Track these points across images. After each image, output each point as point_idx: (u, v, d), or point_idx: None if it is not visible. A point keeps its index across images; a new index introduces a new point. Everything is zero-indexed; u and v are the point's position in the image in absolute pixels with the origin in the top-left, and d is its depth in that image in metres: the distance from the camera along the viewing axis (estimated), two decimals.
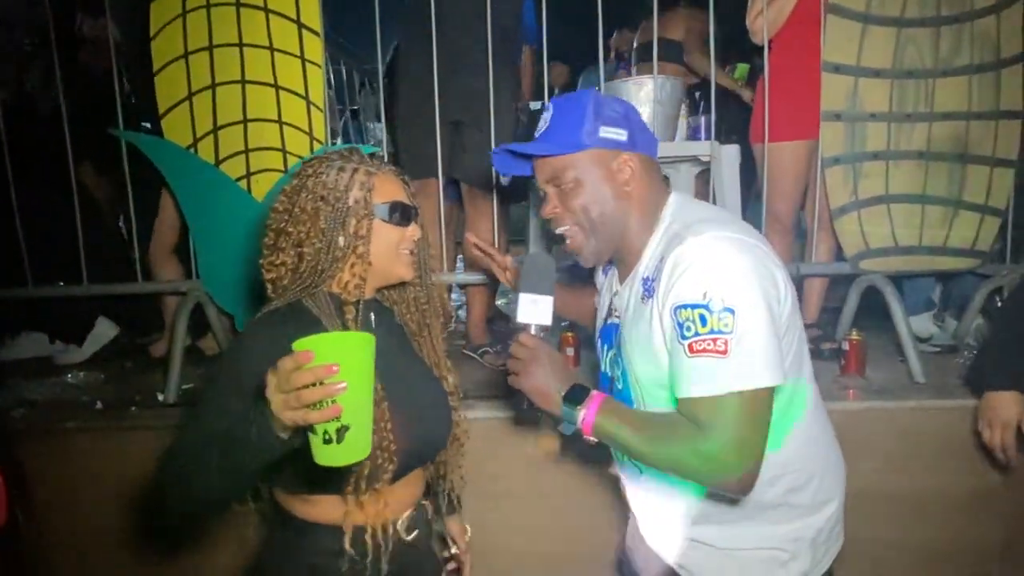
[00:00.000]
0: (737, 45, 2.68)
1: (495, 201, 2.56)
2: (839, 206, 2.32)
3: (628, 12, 3.50)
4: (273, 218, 1.18)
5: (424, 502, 1.29)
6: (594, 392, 1.16)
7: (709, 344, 1.07)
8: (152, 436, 2.13)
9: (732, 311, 1.06)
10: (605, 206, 1.22)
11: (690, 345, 1.08)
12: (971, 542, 2.11)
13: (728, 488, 1.11)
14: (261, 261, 1.18)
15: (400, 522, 1.21)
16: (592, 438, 1.15)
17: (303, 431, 0.90)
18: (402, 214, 1.20)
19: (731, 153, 2.58)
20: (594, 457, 1.43)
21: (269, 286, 1.18)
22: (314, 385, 0.84)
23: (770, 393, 1.10)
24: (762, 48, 2.49)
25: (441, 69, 2.36)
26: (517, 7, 2.62)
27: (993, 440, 1.79)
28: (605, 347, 1.35)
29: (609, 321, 1.33)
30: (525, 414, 1.22)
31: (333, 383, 0.84)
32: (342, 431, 0.86)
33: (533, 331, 1.22)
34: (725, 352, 1.06)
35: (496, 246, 2.59)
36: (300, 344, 0.86)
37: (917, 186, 2.29)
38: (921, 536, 2.11)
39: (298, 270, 1.16)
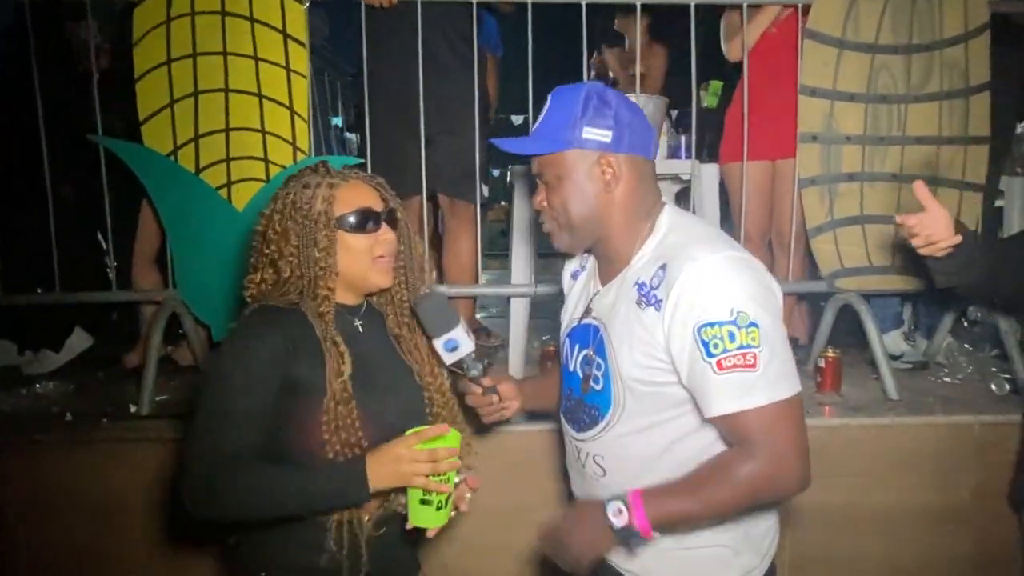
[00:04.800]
0: (713, 63, 2.75)
1: (478, 208, 2.56)
2: (815, 225, 2.37)
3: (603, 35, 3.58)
4: (254, 239, 1.24)
5: (396, 496, 1.28)
6: (628, 497, 1.11)
7: (739, 359, 1.08)
8: (124, 448, 2.08)
9: (757, 326, 1.09)
10: (584, 206, 1.23)
11: (719, 362, 1.09)
12: (942, 556, 2.15)
13: (794, 493, 1.15)
14: (244, 280, 1.24)
15: (368, 517, 1.23)
16: (656, 533, 1.12)
17: (388, 495, 1.21)
18: (368, 221, 1.22)
19: (711, 172, 2.62)
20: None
21: (249, 300, 1.23)
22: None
23: (801, 398, 1.14)
24: (734, 67, 2.55)
25: (410, 82, 2.34)
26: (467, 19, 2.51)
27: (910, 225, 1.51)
28: (576, 347, 1.33)
29: (584, 321, 1.32)
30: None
31: (454, 463, 1.16)
32: (447, 500, 1.18)
33: (467, 364, 1.31)
34: (755, 366, 1.09)
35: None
36: (441, 441, 1.15)
37: (890, 207, 2.34)
38: (893, 550, 2.14)
39: (278, 284, 1.21)
